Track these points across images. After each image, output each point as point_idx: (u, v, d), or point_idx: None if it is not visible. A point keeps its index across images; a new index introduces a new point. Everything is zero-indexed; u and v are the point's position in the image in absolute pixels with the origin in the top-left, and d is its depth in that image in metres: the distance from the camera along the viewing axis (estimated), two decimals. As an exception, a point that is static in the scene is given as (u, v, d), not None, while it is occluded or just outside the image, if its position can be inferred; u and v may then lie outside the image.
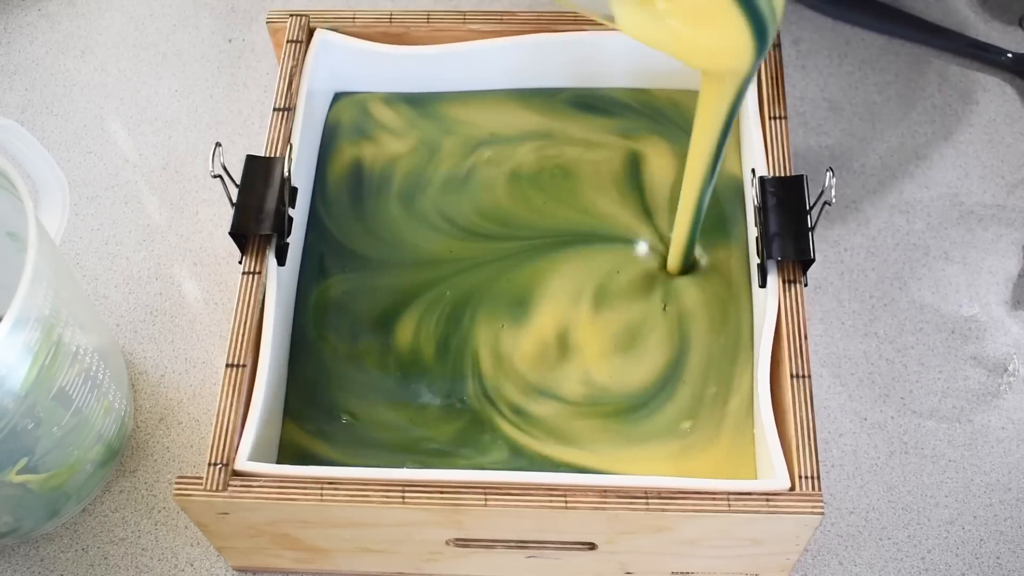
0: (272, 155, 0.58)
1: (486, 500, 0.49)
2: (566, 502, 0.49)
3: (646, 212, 0.61)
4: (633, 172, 0.62)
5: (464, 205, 0.62)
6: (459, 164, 0.63)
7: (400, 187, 0.62)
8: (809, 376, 0.52)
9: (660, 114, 0.64)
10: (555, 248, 0.60)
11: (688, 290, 0.58)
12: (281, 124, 0.59)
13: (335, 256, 0.60)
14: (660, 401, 0.56)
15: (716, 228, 0.60)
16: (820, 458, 0.51)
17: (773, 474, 0.51)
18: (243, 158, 0.58)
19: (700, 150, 0.53)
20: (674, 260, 0.58)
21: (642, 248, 0.60)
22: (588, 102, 0.64)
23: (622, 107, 0.64)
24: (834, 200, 0.54)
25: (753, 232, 0.58)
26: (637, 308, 0.58)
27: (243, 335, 0.54)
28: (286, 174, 0.57)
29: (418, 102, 0.65)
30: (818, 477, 0.50)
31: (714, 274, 0.59)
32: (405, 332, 0.58)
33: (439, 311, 0.58)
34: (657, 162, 0.62)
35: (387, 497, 0.50)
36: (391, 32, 0.63)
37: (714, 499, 0.49)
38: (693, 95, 0.64)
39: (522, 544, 0.53)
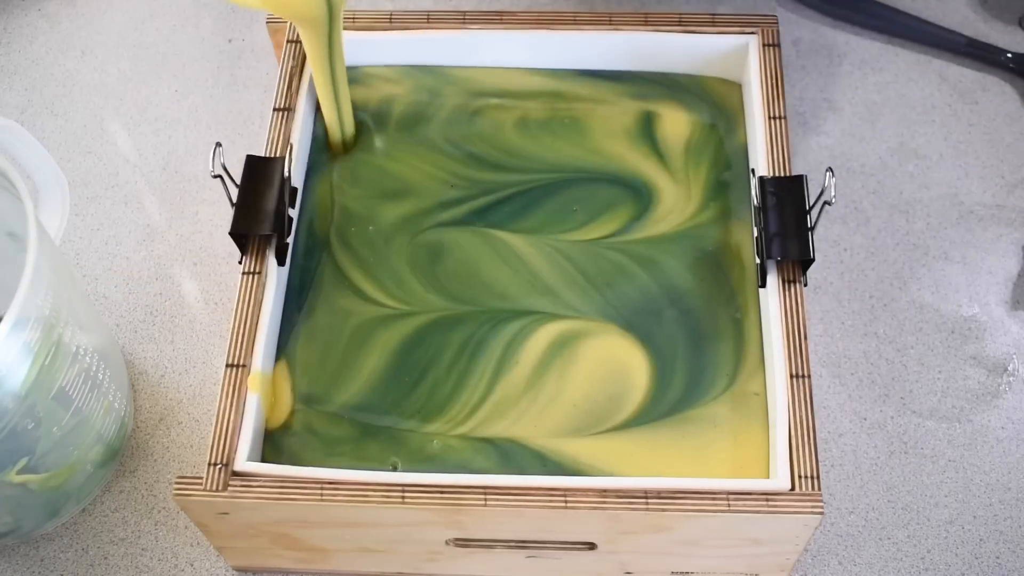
0: (272, 155, 0.58)
1: (486, 500, 0.49)
2: (566, 502, 0.49)
3: (660, 159, 0.61)
4: (646, 125, 0.62)
5: (472, 135, 0.62)
6: (464, 106, 0.63)
7: (399, 118, 0.63)
8: (809, 376, 0.52)
9: (675, 83, 0.63)
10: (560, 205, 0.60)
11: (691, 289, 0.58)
12: (281, 124, 0.59)
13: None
14: (676, 407, 0.55)
15: (725, 225, 0.60)
16: (820, 458, 0.51)
17: (773, 474, 0.51)
18: (243, 158, 0.58)
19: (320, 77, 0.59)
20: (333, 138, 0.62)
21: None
22: (600, 73, 0.64)
23: (635, 76, 0.64)
24: (834, 200, 0.54)
25: (753, 232, 0.58)
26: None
27: (243, 335, 0.54)
28: (286, 174, 0.57)
29: (418, 66, 0.65)
30: (818, 477, 0.50)
31: (721, 276, 0.58)
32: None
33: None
34: (671, 117, 0.62)
35: (387, 497, 0.50)
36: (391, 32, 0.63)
37: (714, 499, 0.49)
38: (712, 80, 0.64)
39: (522, 544, 0.53)
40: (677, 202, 0.59)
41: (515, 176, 0.61)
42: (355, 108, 0.62)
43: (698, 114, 0.62)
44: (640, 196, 0.60)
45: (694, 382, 0.55)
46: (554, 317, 0.56)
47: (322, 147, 0.62)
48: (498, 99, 0.63)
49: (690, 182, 0.60)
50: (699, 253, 0.58)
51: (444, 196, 0.60)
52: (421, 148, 0.62)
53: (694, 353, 0.55)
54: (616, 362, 0.55)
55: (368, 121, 0.63)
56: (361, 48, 0.63)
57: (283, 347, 0.56)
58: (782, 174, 0.57)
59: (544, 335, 0.56)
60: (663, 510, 0.49)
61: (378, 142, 0.62)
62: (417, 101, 0.63)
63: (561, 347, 0.56)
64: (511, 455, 0.53)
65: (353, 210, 0.60)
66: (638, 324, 0.56)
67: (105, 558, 0.59)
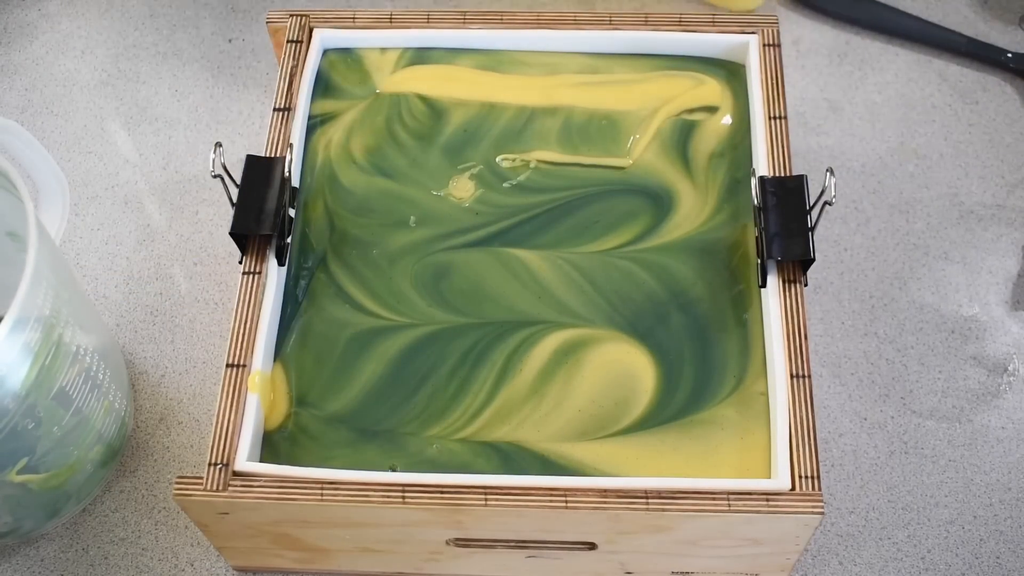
0: (272, 155, 0.58)
1: (486, 500, 0.49)
2: (566, 502, 0.49)
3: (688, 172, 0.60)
4: (683, 136, 0.61)
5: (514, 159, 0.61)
6: (518, 116, 0.62)
7: (449, 139, 0.61)
8: (809, 376, 0.52)
9: (714, 63, 0.63)
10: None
11: (697, 288, 0.57)
12: (281, 124, 0.59)
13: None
14: (675, 409, 0.54)
15: (735, 226, 0.59)
16: (820, 458, 0.51)
17: (774, 474, 0.51)
18: (243, 158, 0.58)
19: None
20: None
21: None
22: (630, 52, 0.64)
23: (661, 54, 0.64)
24: (834, 200, 0.54)
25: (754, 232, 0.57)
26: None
27: (243, 335, 0.54)
28: (286, 174, 0.57)
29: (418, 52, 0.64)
30: (818, 477, 0.50)
31: (729, 276, 0.58)
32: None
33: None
34: (705, 115, 0.61)
35: (387, 497, 0.50)
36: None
37: (714, 499, 0.49)
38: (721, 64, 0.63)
39: (522, 544, 0.53)
40: (694, 207, 0.59)
41: (543, 196, 0.60)
42: (406, 129, 0.62)
43: (729, 83, 0.62)
44: (660, 205, 0.59)
45: (701, 385, 0.54)
46: (560, 326, 0.56)
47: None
48: (548, 99, 0.62)
49: (708, 185, 0.59)
50: (709, 255, 0.57)
51: (464, 223, 0.59)
52: (458, 176, 0.60)
53: (702, 356, 0.55)
54: (622, 368, 0.55)
55: (413, 147, 0.61)
56: (361, 46, 0.64)
57: (279, 349, 0.56)
58: (782, 174, 0.57)
59: (549, 343, 0.56)
60: (663, 510, 0.49)
61: (414, 173, 0.61)
62: (473, 117, 0.62)
63: (566, 355, 0.55)
64: (513, 459, 0.53)
65: (355, 235, 0.59)
66: (645, 330, 0.56)
67: (105, 558, 0.59)
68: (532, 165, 0.60)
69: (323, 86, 0.62)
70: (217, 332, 0.65)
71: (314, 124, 0.61)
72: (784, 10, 0.76)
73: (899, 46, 0.74)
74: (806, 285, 0.55)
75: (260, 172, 0.57)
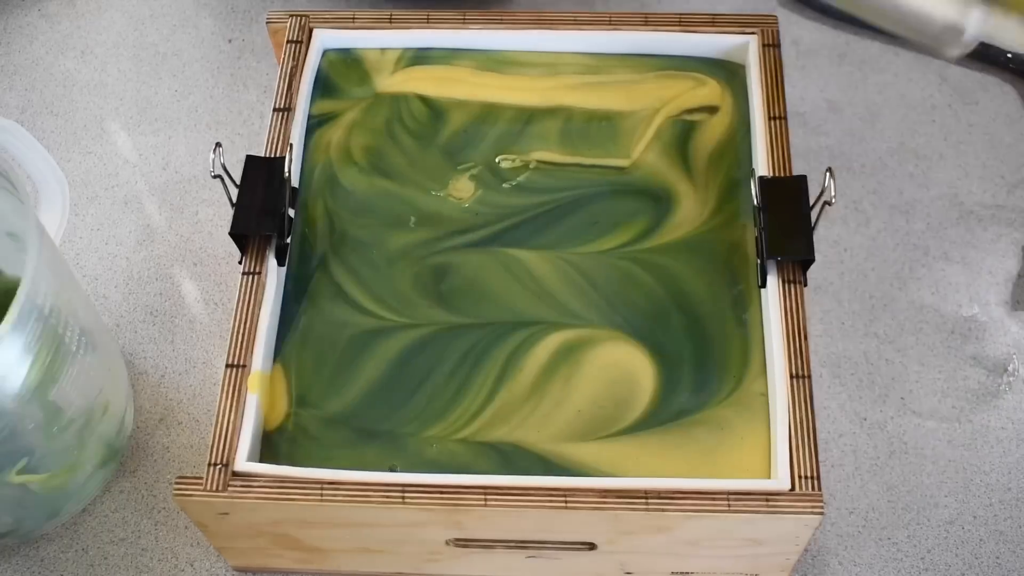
0: (272, 155, 0.58)
1: (486, 500, 0.49)
2: (566, 502, 0.49)
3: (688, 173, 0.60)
4: (683, 136, 0.61)
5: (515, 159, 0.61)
6: (516, 118, 0.62)
7: (448, 139, 0.61)
8: (809, 376, 0.52)
9: (714, 63, 0.63)
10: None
11: (695, 287, 0.57)
12: (281, 124, 0.60)
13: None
14: (674, 409, 0.54)
15: (735, 225, 0.59)
16: (820, 458, 0.51)
17: (774, 474, 0.51)
18: (243, 158, 0.58)
19: None
20: None
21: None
22: (631, 53, 0.64)
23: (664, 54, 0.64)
24: (834, 200, 0.54)
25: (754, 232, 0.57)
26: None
27: (243, 335, 0.54)
28: (286, 174, 0.57)
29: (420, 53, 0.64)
30: (818, 477, 0.50)
31: (730, 276, 0.58)
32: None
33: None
34: (705, 114, 0.61)
35: (387, 497, 0.50)
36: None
37: (714, 499, 0.49)
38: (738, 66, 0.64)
39: (522, 544, 0.53)
40: (694, 207, 0.59)
41: (543, 197, 0.60)
42: (405, 128, 0.62)
43: (730, 84, 0.62)
44: (660, 205, 0.59)
45: (701, 385, 0.54)
46: (559, 326, 0.56)
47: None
48: (548, 100, 0.62)
49: (708, 186, 0.59)
50: (709, 255, 0.57)
51: (464, 224, 0.59)
52: (457, 177, 0.60)
53: (701, 356, 0.55)
54: (622, 368, 0.55)
55: (411, 146, 0.61)
56: (361, 46, 0.64)
57: (279, 350, 0.56)
58: (782, 174, 0.57)
59: (549, 344, 0.55)
60: (663, 510, 0.49)
61: (412, 173, 0.61)
62: (473, 118, 0.62)
63: (566, 355, 0.55)
64: (513, 459, 0.53)
65: (355, 236, 0.59)
66: (645, 330, 0.56)
67: (105, 558, 0.59)
68: (532, 166, 0.60)
69: (323, 86, 0.63)
70: (217, 332, 0.65)
71: (314, 124, 0.61)
72: (784, 10, 0.76)
73: (899, 46, 0.74)
74: (806, 285, 0.55)
75: (260, 172, 0.57)
